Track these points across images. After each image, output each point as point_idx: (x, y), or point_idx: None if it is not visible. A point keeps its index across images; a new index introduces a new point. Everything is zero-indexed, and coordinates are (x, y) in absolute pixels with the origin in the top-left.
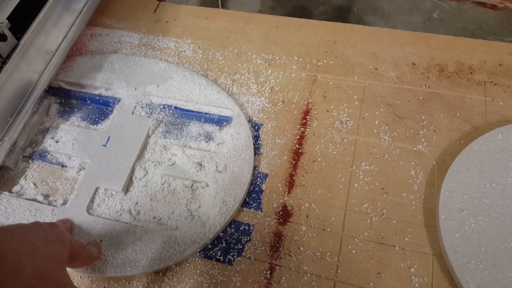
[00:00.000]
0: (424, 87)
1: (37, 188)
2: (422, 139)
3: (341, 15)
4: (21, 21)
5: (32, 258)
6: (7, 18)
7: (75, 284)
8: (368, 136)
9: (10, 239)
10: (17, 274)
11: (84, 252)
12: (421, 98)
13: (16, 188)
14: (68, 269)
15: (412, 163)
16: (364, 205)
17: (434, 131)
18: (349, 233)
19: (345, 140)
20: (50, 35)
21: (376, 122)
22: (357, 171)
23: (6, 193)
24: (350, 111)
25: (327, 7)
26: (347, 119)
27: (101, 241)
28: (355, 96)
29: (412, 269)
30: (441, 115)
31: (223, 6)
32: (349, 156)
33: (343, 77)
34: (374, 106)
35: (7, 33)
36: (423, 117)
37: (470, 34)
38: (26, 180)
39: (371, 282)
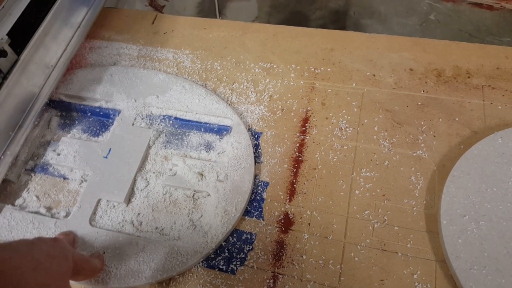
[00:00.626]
0: (422, 92)
1: (39, 200)
2: (422, 145)
3: (338, 19)
4: (20, 36)
5: (35, 274)
6: (7, 34)
7: None
8: (368, 143)
9: (13, 256)
10: None
11: (87, 266)
12: (419, 103)
13: (18, 201)
14: (72, 282)
15: (413, 168)
16: (366, 212)
17: (434, 136)
18: (351, 240)
19: (345, 147)
20: (50, 49)
21: (375, 129)
22: (358, 178)
23: (9, 206)
24: (349, 118)
25: (324, 11)
26: (346, 126)
27: (104, 252)
28: (354, 103)
29: (415, 276)
30: (440, 120)
31: (220, 14)
32: (349, 163)
33: (341, 84)
34: (372, 113)
35: (7, 49)
36: (422, 123)
37: (467, 35)
38: (28, 193)
39: None
